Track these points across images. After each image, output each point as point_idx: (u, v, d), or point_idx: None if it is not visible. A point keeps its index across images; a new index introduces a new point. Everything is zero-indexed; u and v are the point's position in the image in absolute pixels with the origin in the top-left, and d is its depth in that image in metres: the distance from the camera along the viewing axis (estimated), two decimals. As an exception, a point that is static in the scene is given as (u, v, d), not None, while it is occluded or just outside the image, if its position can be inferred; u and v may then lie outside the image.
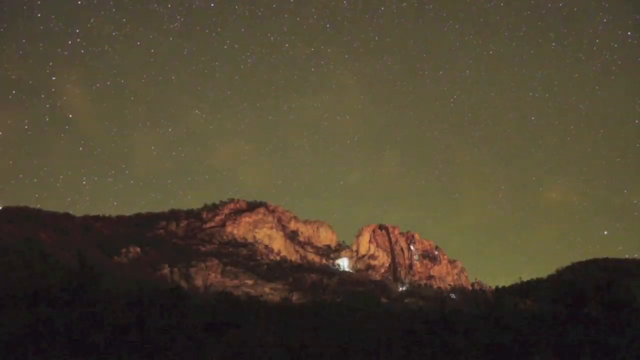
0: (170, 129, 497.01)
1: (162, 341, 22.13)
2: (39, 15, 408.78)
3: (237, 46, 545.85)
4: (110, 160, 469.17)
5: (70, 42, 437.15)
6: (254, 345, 25.61)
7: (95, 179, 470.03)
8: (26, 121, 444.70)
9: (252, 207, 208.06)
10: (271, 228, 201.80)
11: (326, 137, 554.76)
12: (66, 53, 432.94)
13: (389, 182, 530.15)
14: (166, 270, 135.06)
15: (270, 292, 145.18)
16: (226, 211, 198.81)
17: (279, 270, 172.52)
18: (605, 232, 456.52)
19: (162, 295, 24.87)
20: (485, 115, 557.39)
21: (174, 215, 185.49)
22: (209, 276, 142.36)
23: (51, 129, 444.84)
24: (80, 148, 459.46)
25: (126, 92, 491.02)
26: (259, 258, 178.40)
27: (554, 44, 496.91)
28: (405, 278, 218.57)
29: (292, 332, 28.90)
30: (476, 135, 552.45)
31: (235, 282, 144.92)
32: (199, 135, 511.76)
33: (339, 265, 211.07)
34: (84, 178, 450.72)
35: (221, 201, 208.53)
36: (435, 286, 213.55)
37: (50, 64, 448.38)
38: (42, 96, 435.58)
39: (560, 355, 22.21)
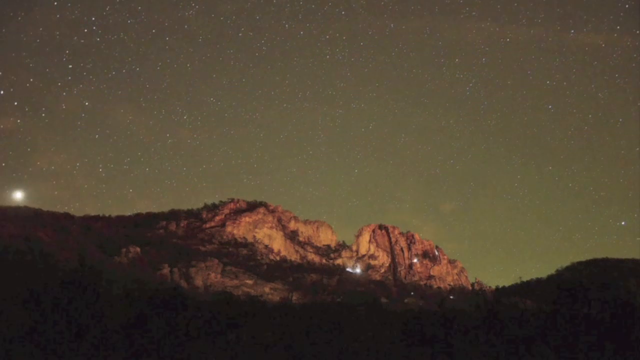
0: (185, 117, 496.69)
1: (162, 341, 22.13)
2: (55, 3, 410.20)
3: (251, 34, 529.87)
4: (125, 147, 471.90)
5: (86, 30, 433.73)
6: (254, 345, 25.62)
7: (112, 166, 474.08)
8: (43, 109, 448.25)
9: (252, 207, 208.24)
10: (271, 228, 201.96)
11: (342, 125, 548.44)
12: (82, 41, 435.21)
13: (400, 174, 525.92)
14: (166, 270, 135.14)
15: (270, 292, 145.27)
16: (226, 211, 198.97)
17: (279, 270, 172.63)
18: (623, 223, 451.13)
19: (162, 295, 24.87)
20: (501, 104, 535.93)
21: (174, 215, 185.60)
22: (209, 276, 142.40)
23: (68, 116, 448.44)
24: (97, 135, 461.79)
25: (141, 79, 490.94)
26: (259, 258, 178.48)
27: (572, 31, 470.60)
28: (405, 278, 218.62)
29: (292, 332, 28.91)
30: (491, 124, 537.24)
31: (235, 282, 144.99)
32: (214, 122, 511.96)
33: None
34: (100, 165, 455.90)
35: (221, 201, 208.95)
36: (435, 286, 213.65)
37: (67, 51, 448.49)
38: (59, 84, 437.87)
39: (560, 355, 22.21)
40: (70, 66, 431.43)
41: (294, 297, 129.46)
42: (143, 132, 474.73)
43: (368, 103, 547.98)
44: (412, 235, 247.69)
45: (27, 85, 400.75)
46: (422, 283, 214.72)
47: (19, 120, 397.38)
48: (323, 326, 30.62)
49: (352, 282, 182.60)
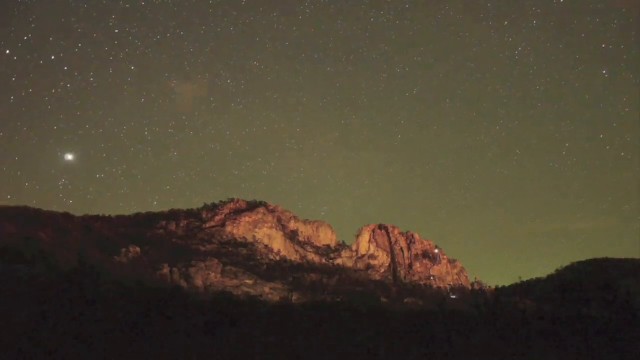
0: (229, 81, 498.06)
1: (162, 341, 22.13)
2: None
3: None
4: (171, 110, 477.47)
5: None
6: (254, 345, 25.61)
7: (157, 129, 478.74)
8: (91, 73, 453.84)
9: (252, 207, 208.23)
10: (271, 228, 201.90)
11: (385, 90, 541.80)
12: (128, 6, 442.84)
13: (444, 141, 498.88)
14: (166, 270, 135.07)
15: (270, 292, 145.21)
16: (226, 211, 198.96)
17: (279, 270, 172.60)
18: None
19: (162, 295, 24.87)
20: (551, 69, 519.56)
21: (174, 215, 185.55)
22: (209, 276, 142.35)
23: (115, 80, 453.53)
24: (142, 100, 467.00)
25: (185, 44, 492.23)
26: (259, 258, 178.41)
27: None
28: (405, 278, 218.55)
29: (292, 332, 28.90)
30: (540, 90, 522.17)
31: (235, 282, 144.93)
32: (257, 87, 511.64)
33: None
34: (146, 129, 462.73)
35: (221, 201, 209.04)
36: (435, 286, 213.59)
37: (113, 16, 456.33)
38: (106, 48, 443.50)
39: (561, 355, 22.21)
40: (117, 31, 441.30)
41: (294, 297, 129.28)
42: (188, 96, 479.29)
43: (413, 67, 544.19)
44: (412, 235, 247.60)
45: (76, 50, 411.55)
46: (422, 283, 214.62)
47: (68, 85, 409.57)
48: (323, 326, 30.61)
49: (352, 282, 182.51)
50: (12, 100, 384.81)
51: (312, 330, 29.33)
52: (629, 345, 21.41)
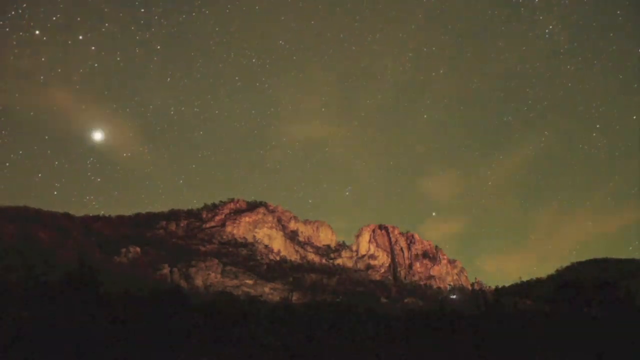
0: (253, 60, 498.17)
1: (162, 341, 22.11)
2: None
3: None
4: (196, 90, 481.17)
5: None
6: (254, 345, 25.59)
7: (183, 109, 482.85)
8: (118, 53, 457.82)
9: (252, 207, 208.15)
10: (271, 228, 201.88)
11: (412, 69, 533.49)
12: None
13: (471, 121, 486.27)
14: (166, 270, 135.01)
15: (270, 292, 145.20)
16: (226, 211, 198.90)
17: (279, 270, 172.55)
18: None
19: (162, 295, 24.86)
20: (583, 48, 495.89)
21: (174, 215, 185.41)
22: (209, 276, 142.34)
23: (141, 60, 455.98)
24: (168, 79, 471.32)
25: (211, 23, 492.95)
26: (259, 258, 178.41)
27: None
28: (405, 278, 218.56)
29: (292, 332, 28.88)
30: (571, 69, 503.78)
31: (235, 282, 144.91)
32: (282, 66, 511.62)
33: None
34: (172, 108, 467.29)
35: (221, 201, 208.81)
36: (435, 286, 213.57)
37: None
38: (132, 28, 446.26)
39: (560, 355, 22.20)
40: (142, 10, 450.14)
41: (294, 297, 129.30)
42: (212, 75, 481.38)
43: (440, 46, 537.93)
44: (412, 235, 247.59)
45: (103, 30, 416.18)
46: (422, 283, 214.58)
47: (96, 65, 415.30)
48: (323, 326, 30.60)
49: (352, 282, 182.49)
50: (42, 80, 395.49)
51: (312, 330, 29.32)
52: (629, 345, 21.41)
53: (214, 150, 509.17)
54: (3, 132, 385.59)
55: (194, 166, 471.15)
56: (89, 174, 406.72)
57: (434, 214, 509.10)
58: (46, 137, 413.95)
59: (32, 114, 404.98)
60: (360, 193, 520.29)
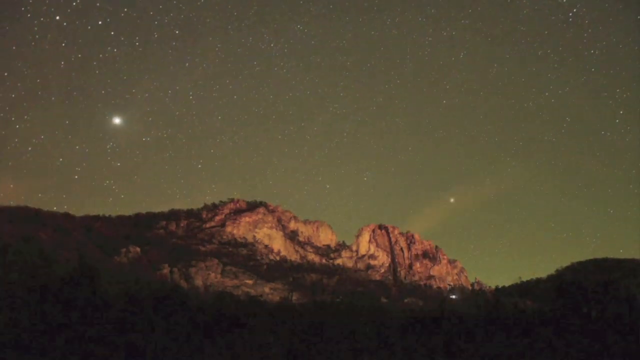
0: (272, 44, 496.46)
1: (162, 341, 22.11)
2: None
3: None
4: (214, 74, 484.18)
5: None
6: (254, 345, 25.59)
7: (201, 93, 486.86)
8: (137, 37, 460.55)
9: (252, 207, 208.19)
10: (271, 228, 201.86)
11: (430, 54, 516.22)
12: None
13: (489, 107, 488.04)
14: (166, 270, 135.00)
15: (270, 292, 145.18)
16: (226, 211, 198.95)
17: (279, 270, 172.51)
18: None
19: (162, 295, 24.85)
20: (608, 32, 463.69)
21: (174, 215, 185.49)
22: (209, 276, 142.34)
23: (159, 44, 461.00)
24: (187, 64, 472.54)
25: (229, 7, 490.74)
26: (259, 258, 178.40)
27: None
28: (405, 278, 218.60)
29: (292, 332, 28.89)
30: (595, 54, 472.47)
31: (235, 282, 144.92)
32: (301, 50, 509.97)
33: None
34: (191, 93, 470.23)
35: (221, 201, 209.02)
36: (435, 286, 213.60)
37: None
38: (151, 13, 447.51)
39: (561, 355, 22.19)
40: None
41: (294, 297, 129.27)
42: (231, 60, 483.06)
43: (459, 30, 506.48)
44: (412, 236, 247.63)
45: (122, 15, 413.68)
46: (422, 283, 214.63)
47: (115, 50, 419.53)
48: (323, 326, 30.60)
49: (352, 282, 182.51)
50: (62, 66, 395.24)
51: (312, 330, 29.32)
52: (629, 345, 21.40)
53: (231, 135, 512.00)
54: (26, 117, 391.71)
55: (212, 151, 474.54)
56: (108, 158, 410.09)
57: (452, 200, 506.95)
58: (67, 122, 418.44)
59: (53, 99, 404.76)
60: (379, 177, 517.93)
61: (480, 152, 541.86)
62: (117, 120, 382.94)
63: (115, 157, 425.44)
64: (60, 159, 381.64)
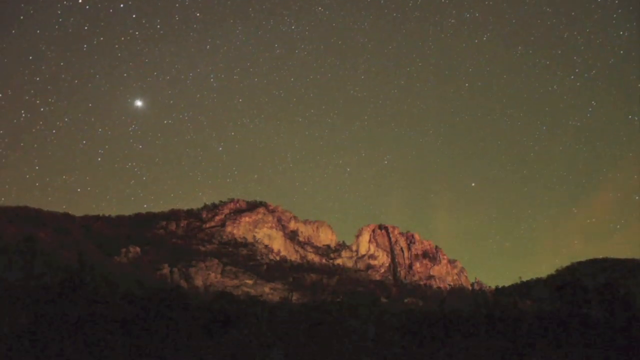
0: (293, 27, 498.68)
1: (162, 341, 22.11)
2: None
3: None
4: (235, 57, 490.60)
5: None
6: (254, 345, 25.59)
7: (222, 76, 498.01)
8: (158, 20, 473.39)
9: (252, 207, 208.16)
10: (271, 228, 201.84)
11: (453, 36, 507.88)
12: None
13: (514, 90, 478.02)
14: (166, 270, 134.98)
15: (270, 292, 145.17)
16: (226, 211, 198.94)
17: (279, 270, 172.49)
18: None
19: (162, 295, 24.85)
20: (637, 14, 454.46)
21: (174, 215, 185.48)
22: (209, 276, 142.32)
23: (180, 27, 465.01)
24: (208, 46, 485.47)
25: None
26: (259, 258, 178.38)
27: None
28: (405, 278, 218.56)
29: (292, 332, 28.89)
30: (623, 35, 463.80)
31: (235, 282, 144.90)
32: (322, 32, 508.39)
33: None
34: (212, 75, 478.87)
35: (221, 201, 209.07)
36: (435, 286, 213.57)
37: None
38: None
39: (561, 355, 22.19)
40: None
41: (294, 297, 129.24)
42: (252, 43, 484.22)
43: (483, 12, 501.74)
44: (412, 235, 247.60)
45: (130, 2, 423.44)
46: (422, 283, 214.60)
47: (136, 33, 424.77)
48: (323, 326, 30.60)
49: (352, 282, 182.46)
50: (85, 49, 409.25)
51: (312, 330, 29.32)
52: (629, 345, 21.40)
53: (252, 118, 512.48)
54: (50, 99, 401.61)
55: (232, 133, 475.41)
56: (130, 140, 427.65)
57: (473, 184, 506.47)
58: (90, 105, 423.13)
59: (76, 82, 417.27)
60: (398, 161, 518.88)
61: (503, 135, 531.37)
62: (138, 103, 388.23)
63: (137, 140, 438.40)
64: (84, 142, 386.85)
